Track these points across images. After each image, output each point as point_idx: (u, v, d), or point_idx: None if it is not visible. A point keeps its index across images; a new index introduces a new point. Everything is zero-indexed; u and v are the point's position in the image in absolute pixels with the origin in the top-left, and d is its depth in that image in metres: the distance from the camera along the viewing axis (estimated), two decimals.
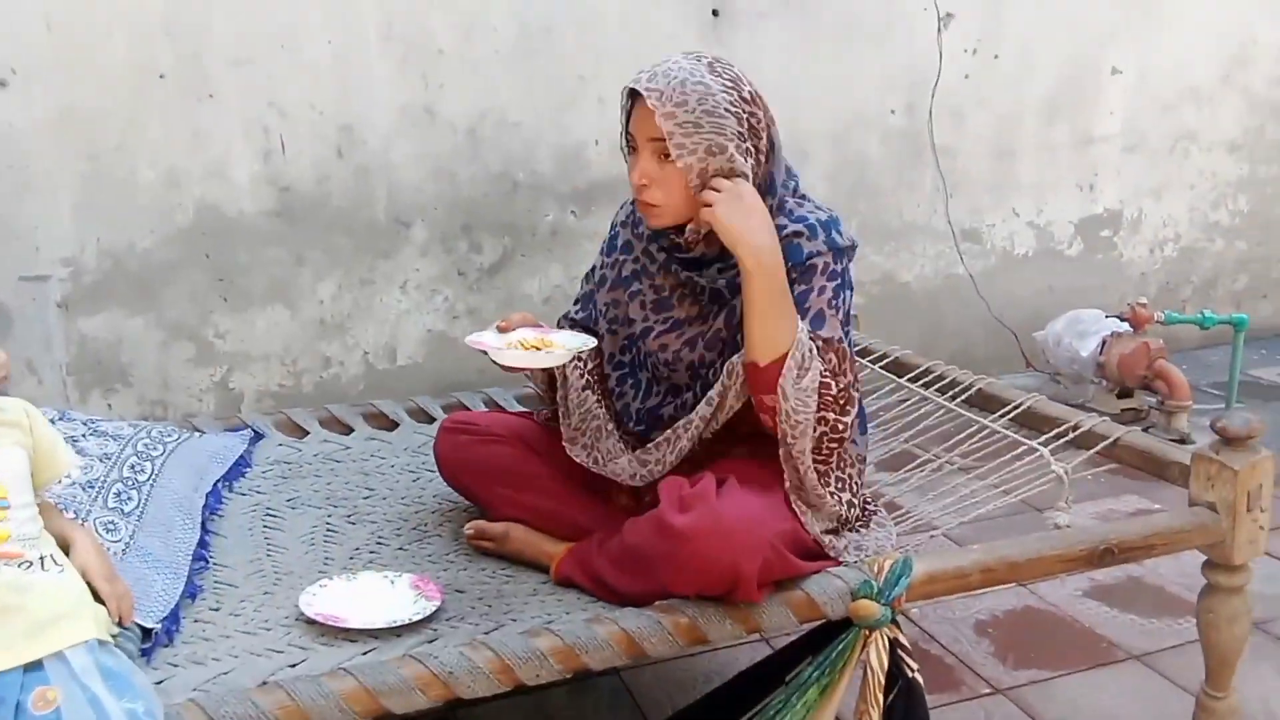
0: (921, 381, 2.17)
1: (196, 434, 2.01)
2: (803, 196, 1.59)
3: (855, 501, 1.61)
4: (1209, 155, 3.74)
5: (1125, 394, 3.18)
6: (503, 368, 1.57)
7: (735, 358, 1.52)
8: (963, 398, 2.08)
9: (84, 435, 1.76)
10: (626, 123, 1.53)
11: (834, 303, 1.52)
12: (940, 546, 1.79)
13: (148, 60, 2.47)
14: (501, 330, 1.62)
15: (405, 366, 2.84)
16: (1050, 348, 3.30)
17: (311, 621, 1.45)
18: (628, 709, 1.86)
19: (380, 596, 1.51)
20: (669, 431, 1.59)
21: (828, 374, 1.49)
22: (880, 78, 3.20)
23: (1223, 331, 3.32)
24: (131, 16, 2.44)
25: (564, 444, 1.69)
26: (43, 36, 2.38)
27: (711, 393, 1.55)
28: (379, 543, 1.73)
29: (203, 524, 1.70)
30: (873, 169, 3.26)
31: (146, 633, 1.37)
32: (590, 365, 1.71)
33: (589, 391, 1.69)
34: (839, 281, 1.53)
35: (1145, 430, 2.55)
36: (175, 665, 1.36)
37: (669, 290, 1.62)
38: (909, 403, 2.13)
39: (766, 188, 1.52)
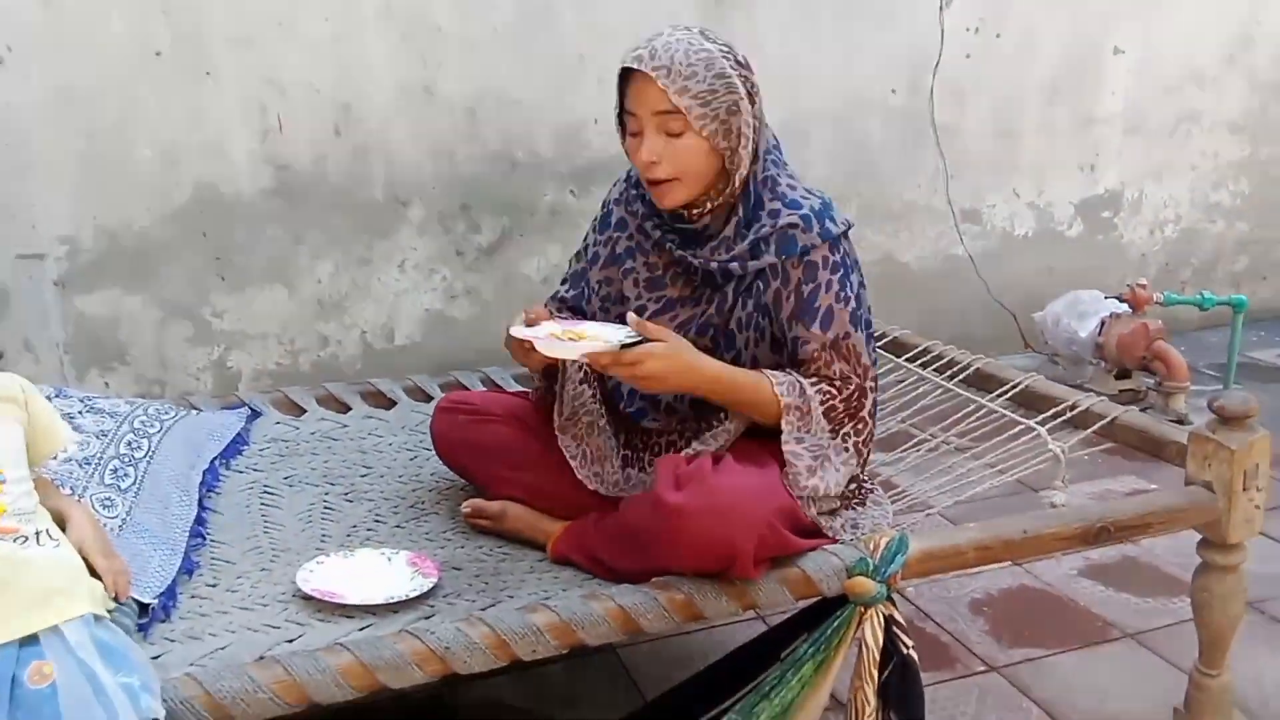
0: (920, 361, 2.17)
1: (194, 412, 2.01)
2: (794, 175, 1.59)
3: (861, 479, 1.61)
4: (1211, 136, 3.73)
5: (1123, 375, 3.17)
6: (544, 358, 1.53)
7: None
8: (960, 378, 2.08)
9: (80, 412, 1.76)
10: (622, 101, 1.52)
11: (842, 294, 1.53)
12: (936, 525, 1.79)
13: (145, 38, 2.46)
14: (529, 324, 1.55)
15: (403, 346, 2.84)
16: (1049, 328, 3.30)
17: (308, 598, 1.46)
18: (624, 685, 1.87)
19: (377, 573, 1.52)
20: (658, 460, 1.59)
21: (832, 390, 1.52)
22: (881, 57, 3.18)
23: (1222, 313, 3.31)
24: None
25: (555, 431, 1.69)
26: (39, 14, 2.36)
27: (708, 438, 1.58)
28: (376, 520, 1.74)
29: (200, 501, 1.70)
30: (873, 149, 3.25)
31: (143, 608, 1.38)
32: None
33: (585, 385, 1.69)
34: (842, 271, 1.53)
35: (1143, 411, 2.55)
36: (172, 640, 1.37)
37: (662, 269, 1.62)
38: (907, 383, 2.13)
39: (756, 151, 1.52)
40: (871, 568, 1.42)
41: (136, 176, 2.51)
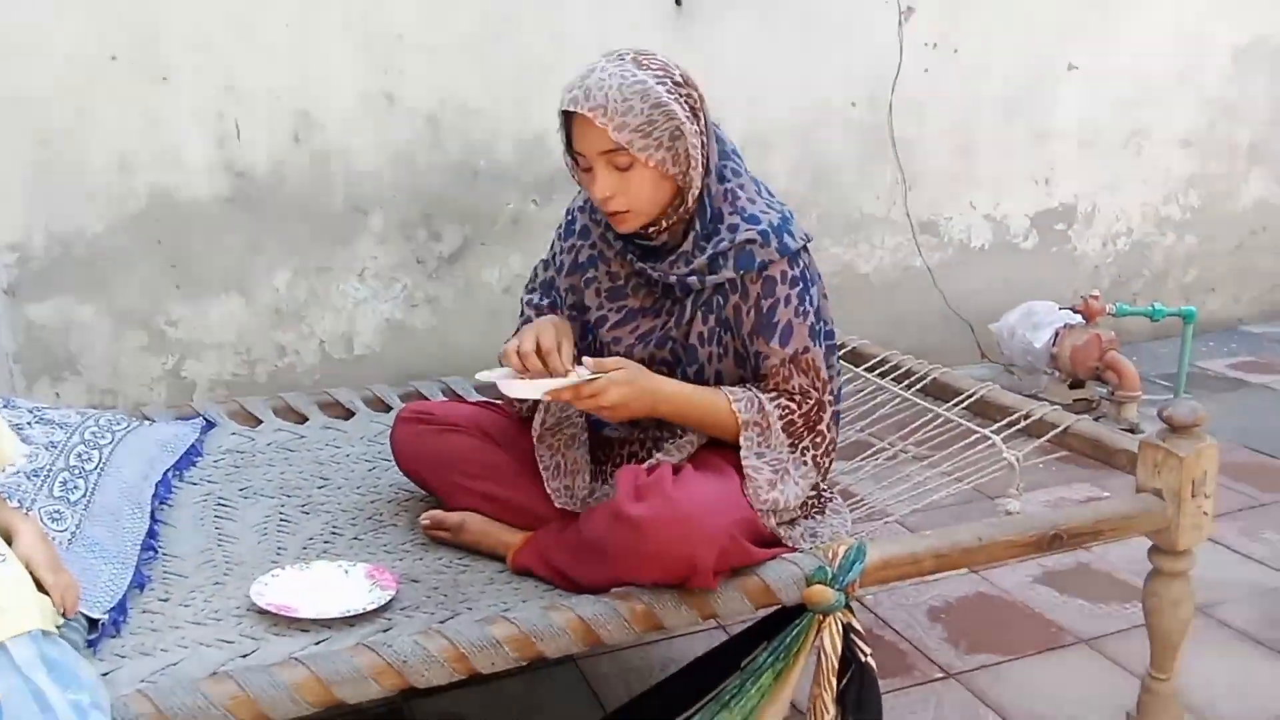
0: (878, 371, 2.19)
1: (146, 422, 1.97)
2: (755, 182, 1.60)
3: (820, 489, 1.63)
4: (1161, 151, 3.81)
5: (1077, 384, 3.23)
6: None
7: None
8: (918, 387, 2.10)
9: (29, 423, 1.72)
10: (568, 142, 1.52)
11: (801, 309, 1.54)
12: (894, 533, 1.81)
13: (100, 43, 2.42)
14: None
15: (363, 356, 2.82)
16: (1005, 339, 3.35)
17: (263, 612, 1.44)
18: (585, 697, 1.87)
19: (334, 586, 1.50)
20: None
21: (791, 405, 1.54)
22: (842, 71, 3.22)
23: (1172, 324, 3.38)
24: None
25: (534, 439, 1.68)
26: None
27: (670, 449, 1.58)
28: (334, 532, 1.72)
29: (152, 514, 1.67)
30: (834, 161, 3.28)
31: (93, 624, 1.35)
32: None
33: None
34: (801, 285, 1.54)
35: (1096, 420, 2.59)
36: (123, 657, 1.34)
37: (624, 278, 1.62)
38: (865, 392, 2.16)
39: (707, 166, 1.53)
40: (830, 576, 1.43)
41: (90, 183, 2.47)
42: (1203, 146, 3.88)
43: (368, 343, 2.82)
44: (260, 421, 2.12)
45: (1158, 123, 3.76)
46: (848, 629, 1.43)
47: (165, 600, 1.49)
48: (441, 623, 1.40)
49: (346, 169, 2.70)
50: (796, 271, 1.54)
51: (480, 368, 1.72)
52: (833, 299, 1.66)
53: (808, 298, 1.55)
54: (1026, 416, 1.89)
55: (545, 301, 1.76)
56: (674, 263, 1.55)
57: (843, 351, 2.27)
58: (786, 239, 1.54)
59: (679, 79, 1.49)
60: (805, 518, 1.61)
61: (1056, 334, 3.19)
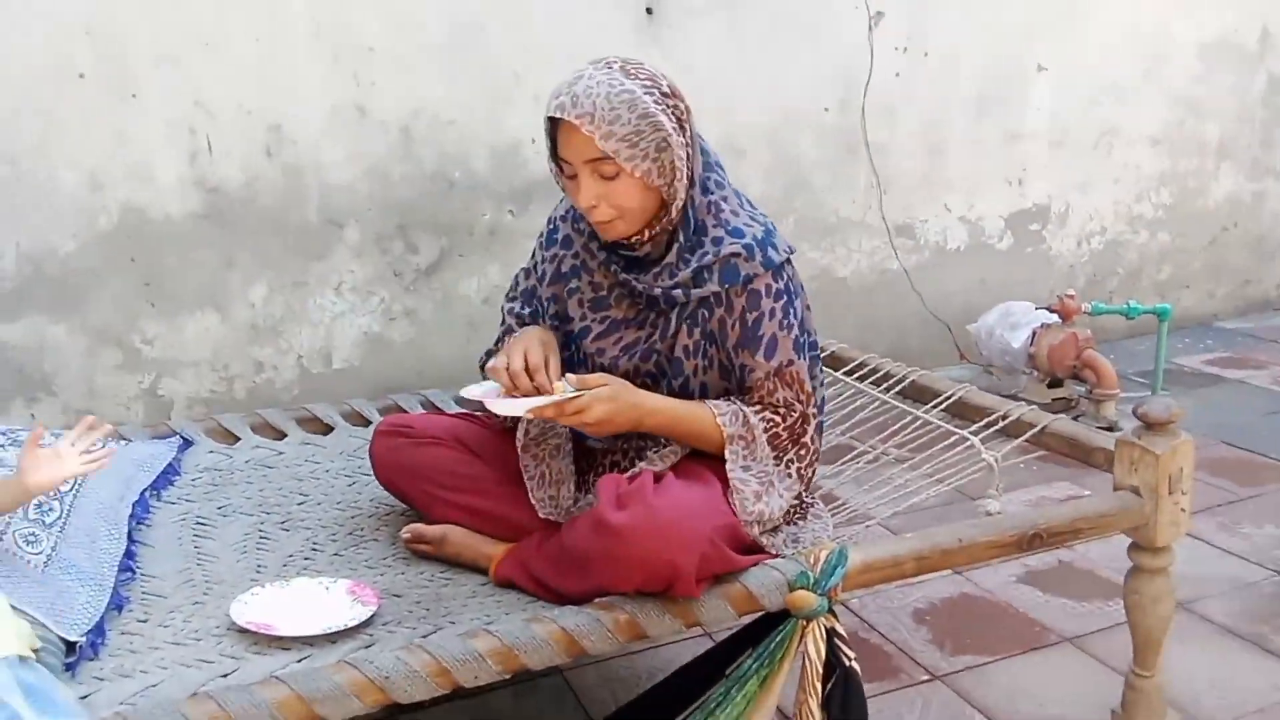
0: (857, 375, 2.20)
1: (122, 442, 1.95)
2: (738, 195, 1.60)
3: (803, 496, 1.63)
4: (1131, 150, 3.85)
5: (1055, 384, 3.25)
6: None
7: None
8: (897, 390, 2.11)
9: (3, 445, 1.70)
10: (554, 148, 1.52)
11: (785, 321, 1.54)
12: (876, 536, 1.81)
13: (67, 60, 2.40)
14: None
15: (341, 370, 2.80)
16: (983, 340, 3.37)
17: (244, 630, 1.42)
18: (571, 708, 1.86)
19: (315, 603, 1.49)
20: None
21: (776, 418, 1.54)
22: (814, 75, 3.24)
23: (1148, 321, 3.41)
24: (49, 15, 2.36)
25: (518, 449, 1.67)
26: None
27: (654, 458, 1.58)
28: (314, 549, 1.70)
29: (129, 534, 1.65)
30: (808, 166, 3.30)
31: (71, 647, 1.33)
32: None
33: None
34: (785, 298, 1.55)
35: (1075, 419, 2.61)
36: (101, 679, 1.32)
37: (607, 289, 1.62)
38: (844, 396, 2.16)
39: (692, 178, 1.53)
40: (812, 581, 1.43)
41: (60, 201, 2.45)
42: (1172, 144, 3.92)
43: (346, 357, 2.80)
44: (238, 439, 2.10)
45: (1127, 121, 3.81)
46: (831, 633, 1.43)
47: (144, 621, 1.47)
48: (424, 637, 1.39)
49: (320, 182, 2.69)
50: (780, 285, 1.54)
51: (460, 379, 1.72)
52: (811, 303, 1.66)
53: (792, 310, 1.55)
54: (1004, 417, 1.90)
55: (527, 310, 1.75)
56: (658, 274, 1.55)
57: (822, 356, 2.28)
58: (770, 252, 1.54)
59: (666, 90, 1.49)
60: (787, 524, 1.61)
61: (1034, 334, 3.22)
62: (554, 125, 1.49)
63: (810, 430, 1.57)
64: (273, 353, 2.73)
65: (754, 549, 1.52)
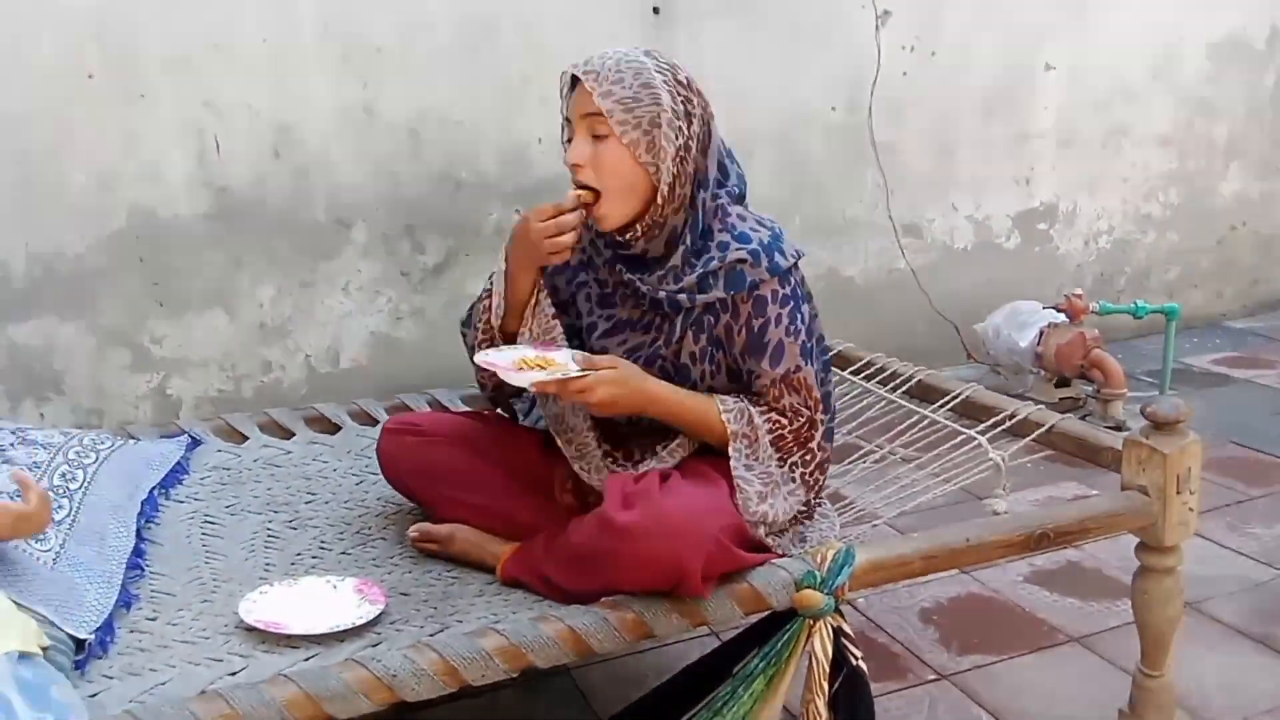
0: (864, 374, 2.20)
1: (131, 441, 1.96)
2: (744, 205, 1.60)
3: (809, 501, 1.62)
4: (1140, 149, 3.84)
5: (1063, 383, 3.24)
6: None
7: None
8: (904, 390, 2.11)
9: (12, 444, 1.71)
10: (565, 109, 1.54)
11: (792, 328, 1.54)
12: (883, 536, 1.81)
13: (77, 61, 2.41)
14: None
15: (349, 369, 2.81)
16: (990, 339, 3.36)
17: (252, 629, 1.43)
18: (578, 707, 1.86)
19: (323, 601, 1.49)
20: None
21: (782, 421, 1.54)
22: (821, 75, 3.23)
23: (1156, 321, 3.40)
24: (59, 16, 2.37)
25: (551, 431, 1.67)
26: None
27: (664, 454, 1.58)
28: (321, 547, 1.71)
29: (138, 532, 1.66)
30: (815, 166, 3.29)
31: (79, 644, 1.34)
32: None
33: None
34: (792, 304, 1.54)
35: (1083, 418, 2.60)
36: (110, 677, 1.33)
37: (612, 287, 1.62)
38: (851, 395, 2.16)
39: (699, 179, 1.53)
40: (819, 580, 1.43)
41: (70, 202, 2.46)
42: (1181, 144, 3.90)
43: (353, 356, 2.81)
44: (246, 438, 2.11)
45: (1136, 121, 3.79)
46: (838, 633, 1.43)
47: (153, 619, 1.48)
48: (431, 636, 1.39)
49: (328, 183, 2.69)
50: (787, 290, 1.54)
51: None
52: (818, 303, 1.66)
53: (799, 316, 1.55)
54: (1012, 416, 1.89)
55: None
56: (663, 277, 1.55)
57: (829, 355, 2.27)
58: (777, 258, 1.54)
59: (682, 79, 1.52)
60: (794, 523, 1.61)
61: (1041, 333, 3.21)
62: (571, 90, 1.53)
63: (818, 436, 1.57)
64: (281, 352, 2.73)
65: (760, 548, 1.52)
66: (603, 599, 1.42)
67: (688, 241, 1.54)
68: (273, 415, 2.18)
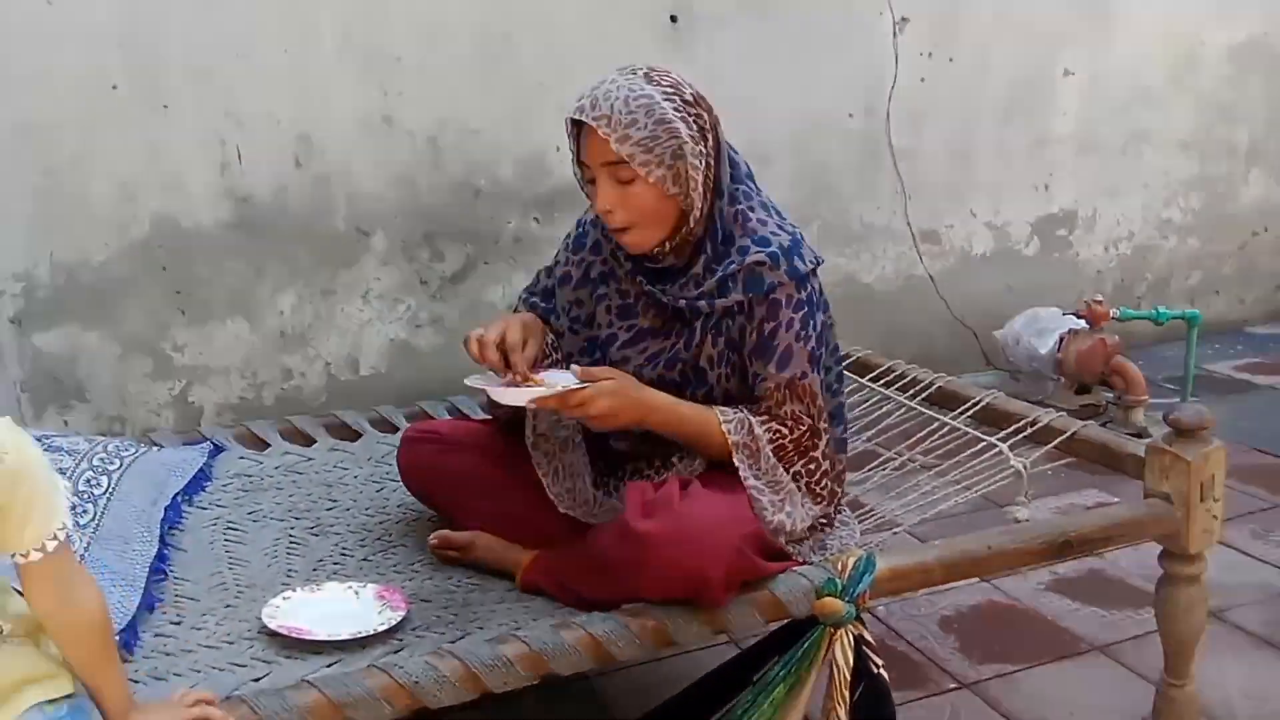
0: (883, 381, 2.19)
1: (154, 448, 1.98)
2: (766, 206, 1.60)
3: (828, 512, 1.62)
4: (1161, 155, 3.81)
5: (1083, 390, 3.22)
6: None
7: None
8: (923, 396, 2.10)
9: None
10: (577, 152, 1.53)
11: (802, 334, 1.53)
12: (903, 543, 1.80)
13: (101, 72, 2.44)
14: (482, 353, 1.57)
15: (368, 377, 2.82)
16: (1010, 346, 3.35)
17: (275, 634, 1.44)
18: (598, 713, 1.86)
19: (345, 608, 1.50)
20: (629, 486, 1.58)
21: (783, 430, 1.52)
22: (838, 82, 3.23)
23: (1177, 327, 3.37)
24: (83, 28, 2.40)
25: (528, 448, 1.68)
26: None
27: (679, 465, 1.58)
28: (343, 554, 1.72)
29: (161, 537, 1.68)
30: (833, 172, 3.29)
31: None
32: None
33: None
34: (806, 310, 1.53)
35: (1104, 425, 2.58)
36: (136, 681, 1.34)
37: (634, 297, 1.63)
38: (871, 402, 2.15)
39: (715, 189, 1.53)
40: (840, 588, 1.42)
41: (94, 211, 2.49)
42: (1202, 149, 3.88)
43: (373, 364, 2.83)
44: (268, 445, 2.12)
45: (1156, 126, 3.77)
46: (859, 641, 1.43)
47: (177, 624, 1.49)
48: (452, 643, 1.40)
49: (348, 191, 2.71)
50: (802, 295, 1.54)
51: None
52: (836, 310, 1.66)
53: (811, 323, 1.54)
54: (1033, 423, 1.88)
55: (541, 305, 1.74)
56: (684, 285, 1.55)
57: (847, 362, 2.27)
58: (796, 262, 1.53)
59: (689, 98, 1.49)
60: (814, 531, 1.61)
61: (1061, 340, 3.19)
62: (577, 130, 1.50)
63: (820, 445, 1.55)
64: (301, 360, 2.75)
65: (781, 555, 1.52)
66: (623, 606, 1.42)
67: (709, 249, 1.54)
68: (294, 422, 2.19)
